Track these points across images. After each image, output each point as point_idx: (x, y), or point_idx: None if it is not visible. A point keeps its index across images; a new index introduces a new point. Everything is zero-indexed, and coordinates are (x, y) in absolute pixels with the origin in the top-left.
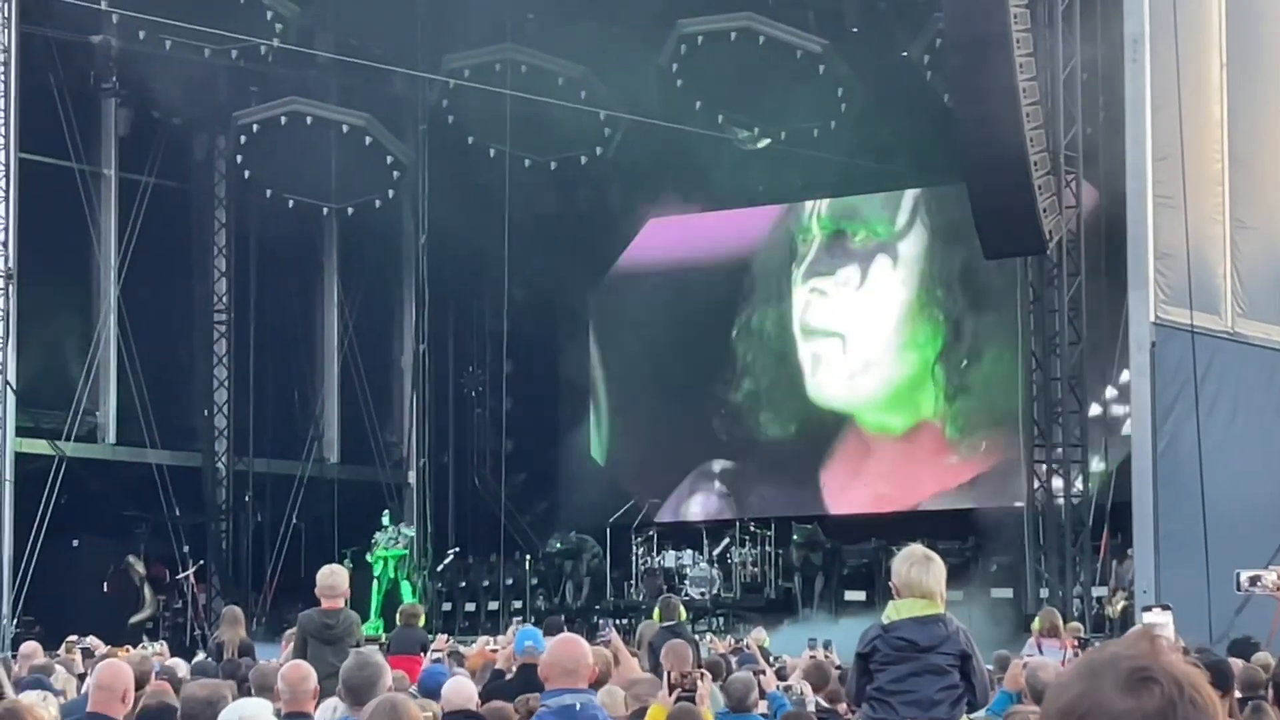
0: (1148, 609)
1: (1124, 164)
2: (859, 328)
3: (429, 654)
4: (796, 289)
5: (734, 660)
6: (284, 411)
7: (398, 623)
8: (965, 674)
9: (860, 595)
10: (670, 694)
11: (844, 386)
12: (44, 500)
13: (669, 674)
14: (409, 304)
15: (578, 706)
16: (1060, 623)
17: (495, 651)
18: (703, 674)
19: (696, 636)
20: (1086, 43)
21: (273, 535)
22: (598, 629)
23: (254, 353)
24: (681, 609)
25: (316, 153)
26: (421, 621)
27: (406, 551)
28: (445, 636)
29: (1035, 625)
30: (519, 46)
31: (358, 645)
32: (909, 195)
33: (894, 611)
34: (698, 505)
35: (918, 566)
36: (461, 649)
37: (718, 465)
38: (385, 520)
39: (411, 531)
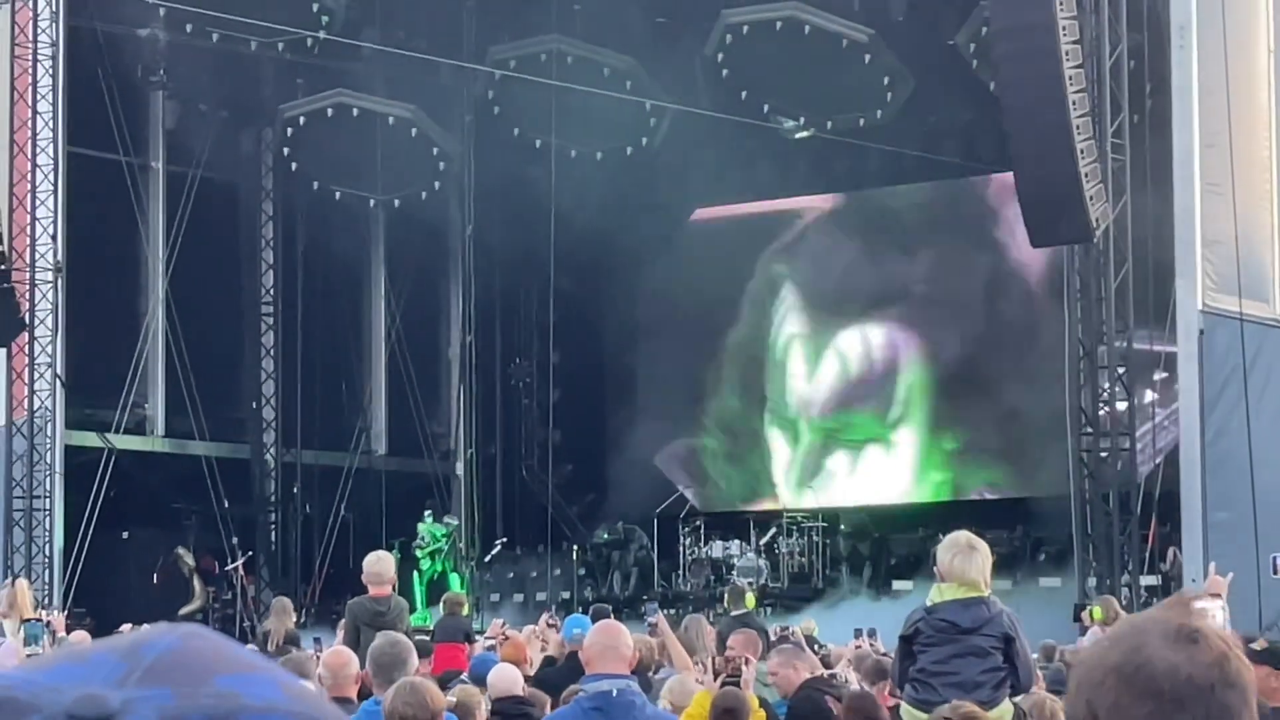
0: (1198, 600)
1: (1171, 151)
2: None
3: (477, 642)
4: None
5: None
6: (332, 403)
7: (442, 611)
8: (1009, 657)
9: (908, 584)
10: (715, 679)
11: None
12: (94, 493)
13: (713, 659)
14: (456, 295)
15: (614, 693)
16: (1120, 611)
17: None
18: (747, 660)
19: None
20: (1133, 30)
21: (321, 527)
22: (644, 614)
23: (302, 345)
24: (750, 597)
25: (363, 145)
26: (465, 610)
27: (447, 538)
28: (501, 621)
29: (1097, 615)
30: (565, 37)
31: (408, 632)
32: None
33: (937, 594)
34: None
35: (961, 555)
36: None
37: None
38: (428, 518)
39: (453, 521)
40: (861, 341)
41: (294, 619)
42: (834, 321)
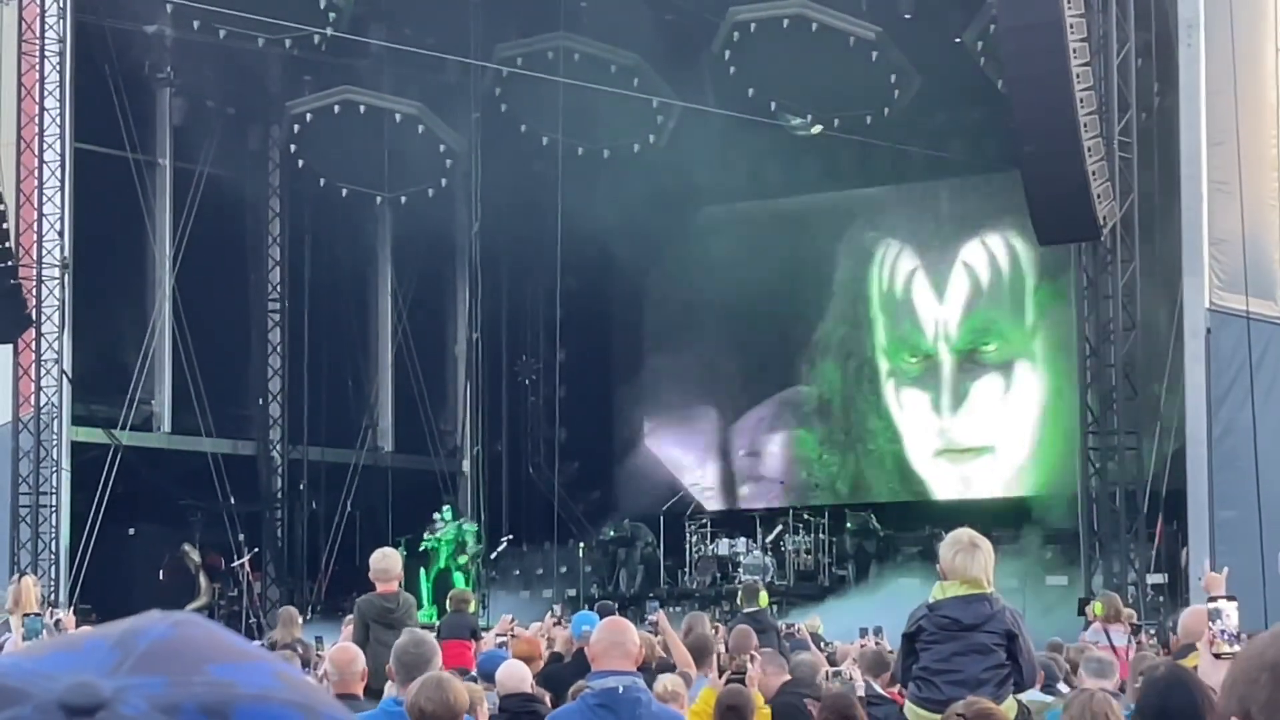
0: (1213, 599)
1: (1178, 149)
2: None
3: (483, 638)
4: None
5: (786, 646)
6: (338, 400)
7: (447, 608)
8: (1012, 654)
9: (914, 582)
10: (721, 676)
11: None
12: (100, 489)
13: (719, 656)
14: (462, 292)
15: (620, 690)
16: (1122, 607)
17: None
18: (752, 657)
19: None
20: (1141, 28)
21: (327, 524)
22: (646, 615)
23: (308, 341)
24: (763, 595)
25: (370, 141)
26: (471, 607)
27: (458, 540)
28: (510, 617)
29: (1098, 611)
30: (572, 34)
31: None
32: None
33: (939, 591)
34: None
35: (964, 553)
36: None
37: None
38: (447, 515)
39: (471, 526)
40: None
41: (301, 629)
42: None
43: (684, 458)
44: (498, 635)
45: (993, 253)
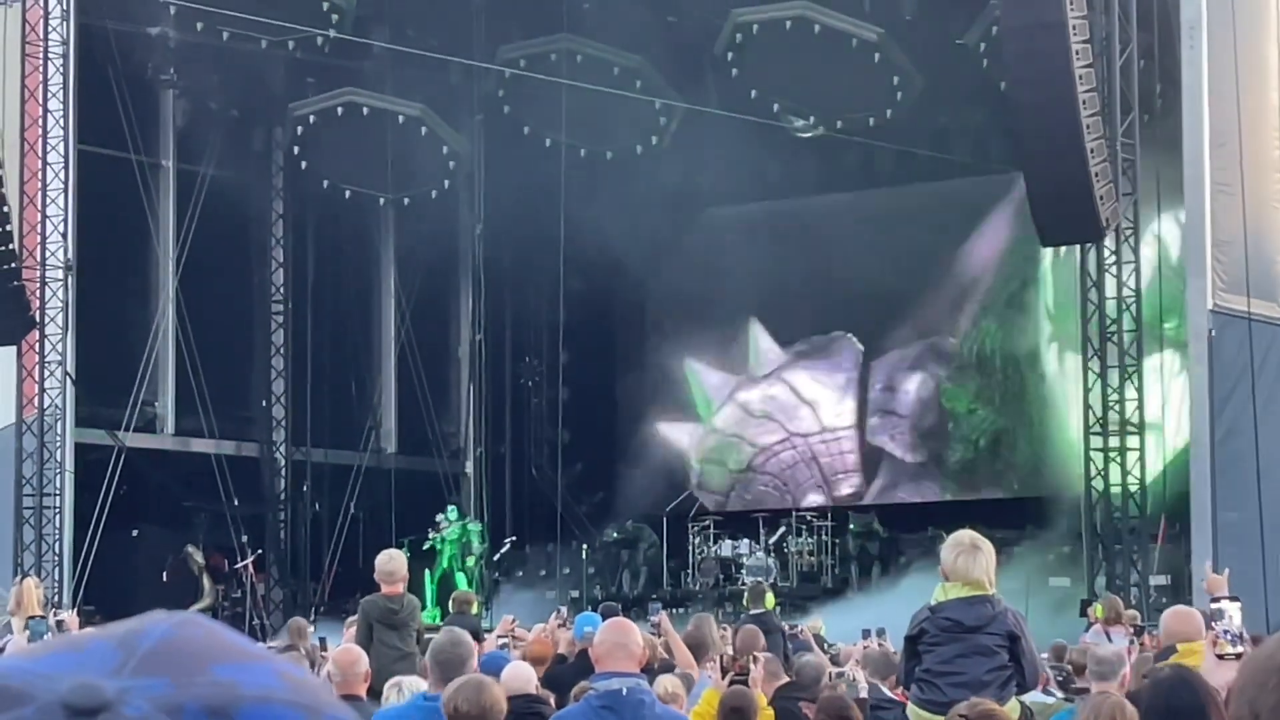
0: (1215, 600)
1: (1181, 151)
2: None
3: (486, 640)
4: None
5: (790, 647)
6: (342, 402)
7: (450, 610)
8: (1014, 655)
9: (917, 583)
10: (724, 678)
11: None
12: (104, 490)
13: (722, 657)
14: (466, 294)
15: (624, 691)
16: (1122, 609)
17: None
18: (755, 658)
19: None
20: (1143, 29)
21: (331, 525)
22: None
23: (311, 343)
24: (769, 597)
25: (373, 143)
26: (474, 609)
27: (462, 540)
28: (512, 618)
29: (1099, 613)
30: (574, 36)
31: (419, 630)
32: None
33: (941, 593)
34: None
35: (965, 555)
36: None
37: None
38: (452, 515)
39: (475, 526)
40: None
41: (310, 641)
42: None
43: (688, 460)
44: (499, 637)
45: None
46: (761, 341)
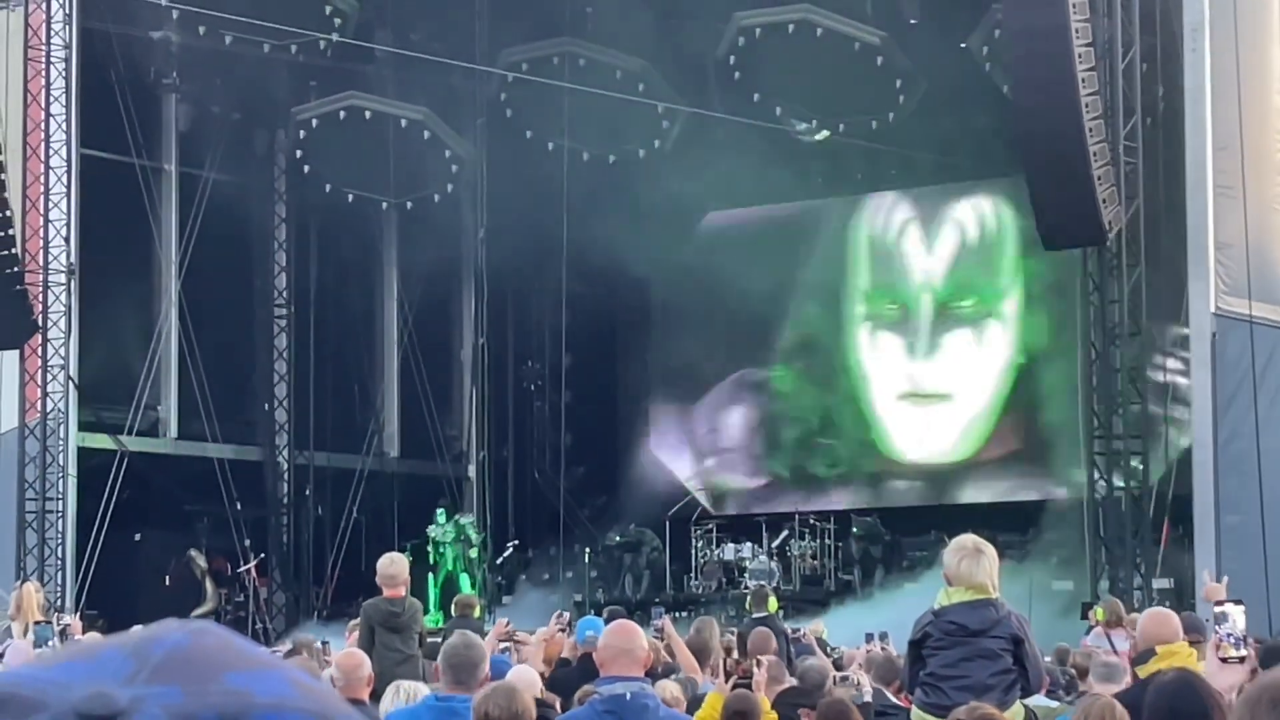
0: (1219, 603)
1: (1184, 154)
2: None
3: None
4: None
5: (791, 650)
6: (344, 405)
7: (453, 613)
8: (1018, 659)
9: (920, 587)
10: (727, 681)
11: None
12: (106, 494)
13: (725, 661)
14: (468, 298)
15: (628, 696)
16: (1124, 612)
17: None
18: (759, 662)
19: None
20: (1145, 32)
21: (333, 529)
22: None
23: (314, 347)
24: (772, 600)
25: (375, 147)
26: (477, 612)
27: (461, 538)
28: (505, 621)
29: (1099, 615)
30: (577, 40)
31: (421, 633)
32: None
33: (944, 597)
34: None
35: (968, 559)
36: (529, 637)
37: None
38: (440, 518)
39: (468, 519)
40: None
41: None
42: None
43: (690, 463)
44: (499, 640)
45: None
46: None
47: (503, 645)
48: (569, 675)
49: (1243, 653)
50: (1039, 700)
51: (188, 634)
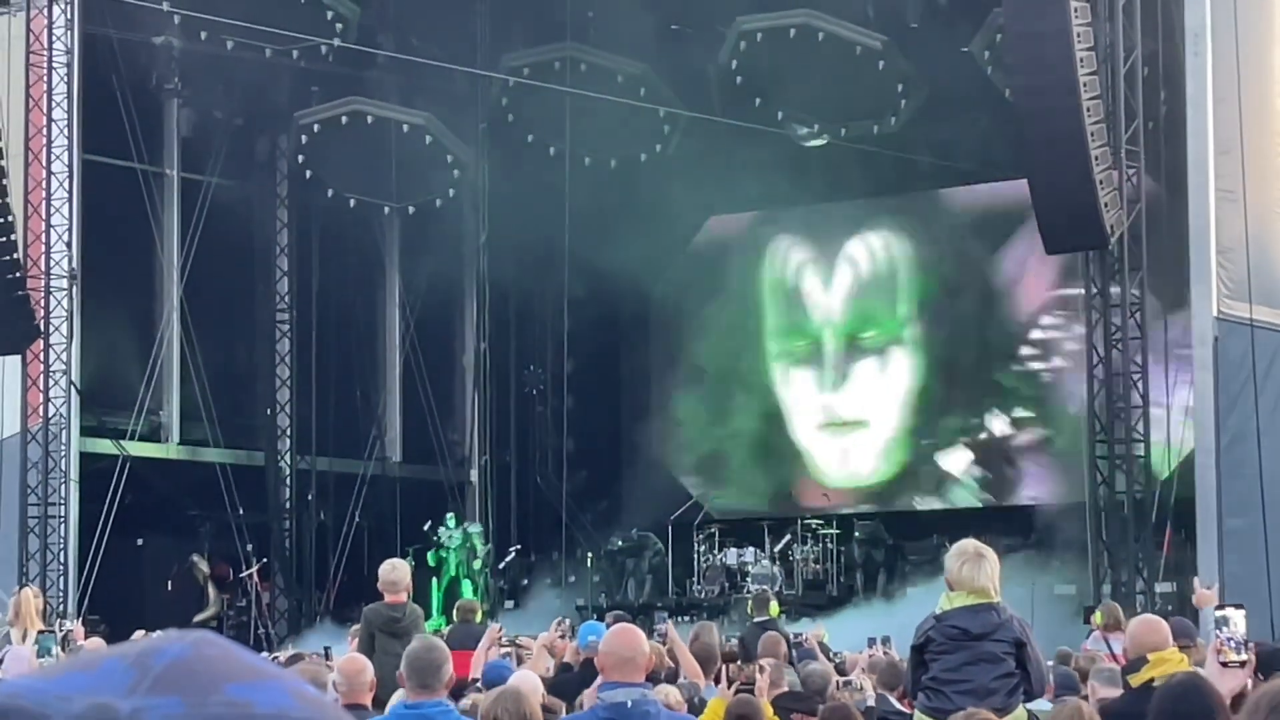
0: (1220, 607)
1: (1185, 158)
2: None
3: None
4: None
5: (794, 654)
6: (346, 410)
7: (455, 618)
8: (1021, 663)
9: (922, 592)
10: (730, 687)
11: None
12: (108, 500)
13: (727, 667)
14: (470, 302)
15: (629, 704)
16: (1122, 616)
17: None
18: (761, 667)
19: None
20: (1147, 36)
21: (336, 534)
22: (655, 626)
23: (316, 352)
24: (774, 605)
25: (377, 152)
26: (479, 617)
27: (466, 546)
28: (498, 626)
29: (1098, 619)
30: (579, 44)
31: None
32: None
33: (947, 602)
34: None
35: (970, 563)
36: (532, 642)
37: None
38: (450, 523)
39: (476, 528)
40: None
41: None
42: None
43: (694, 466)
44: (503, 649)
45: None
46: None
47: (504, 650)
48: (571, 680)
49: (1243, 657)
50: (1042, 704)
51: (189, 645)
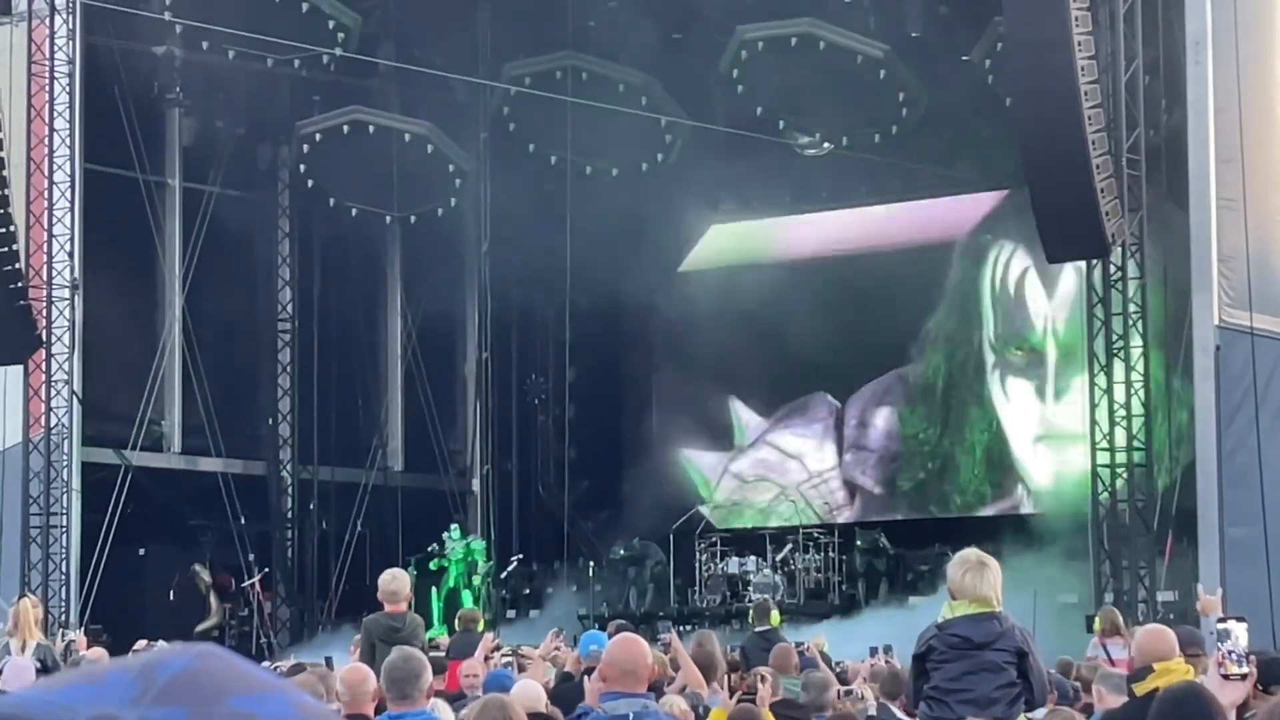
0: (1222, 620)
1: (1187, 166)
2: None
3: (492, 659)
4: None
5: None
6: (348, 419)
7: (456, 628)
8: (1023, 672)
9: (924, 600)
10: (732, 696)
11: None
12: (111, 509)
13: (728, 676)
14: (472, 312)
15: (630, 717)
16: (1121, 622)
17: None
18: (763, 677)
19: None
20: (1148, 45)
21: (337, 543)
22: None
23: (318, 361)
24: (775, 614)
25: (379, 161)
26: (480, 626)
27: (468, 560)
28: (493, 635)
29: (1096, 625)
30: (580, 54)
31: (423, 648)
32: None
33: (949, 611)
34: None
35: (972, 572)
36: (533, 652)
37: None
38: (455, 534)
39: (479, 544)
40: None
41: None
42: None
43: (694, 476)
44: (503, 659)
45: None
46: (743, 414)
47: (504, 660)
48: (572, 689)
49: (1245, 669)
50: (1043, 714)
51: (193, 657)
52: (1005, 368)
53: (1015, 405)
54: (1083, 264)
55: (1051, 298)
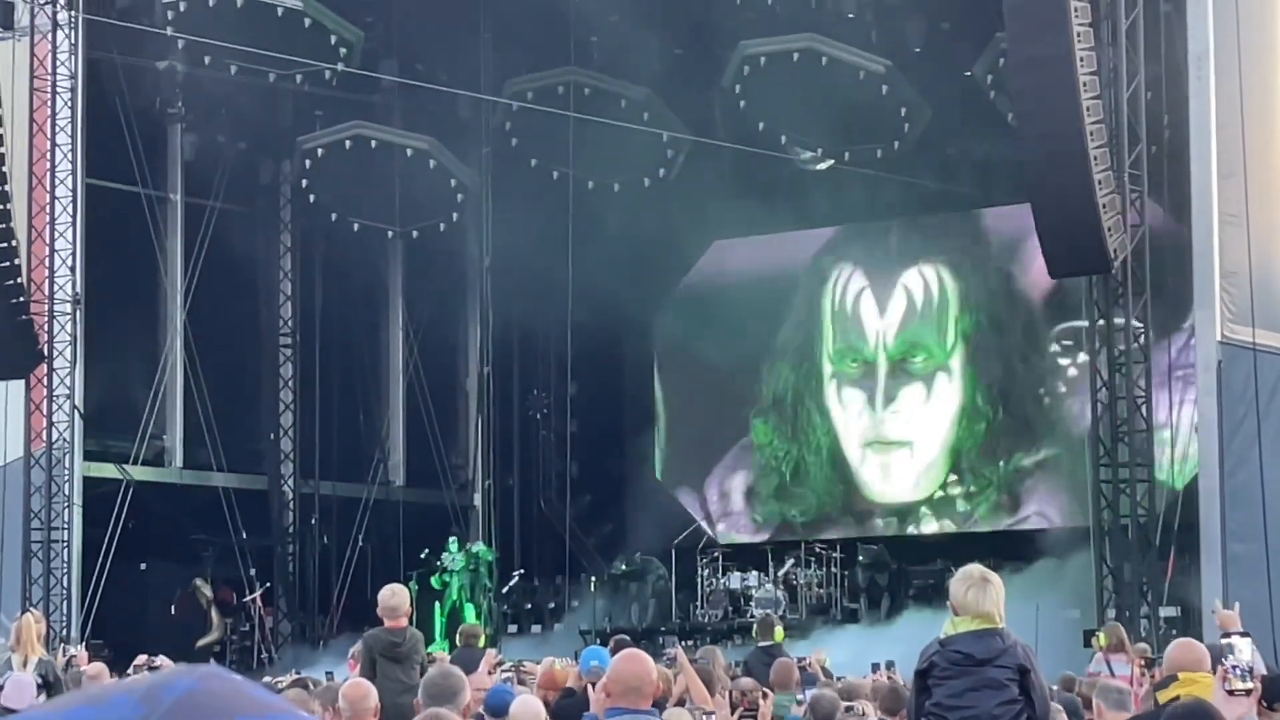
0: (1226, 635)
1: (1189, 182)
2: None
3: (493, 674)
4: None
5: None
6: (349, 434)
7: (458, 643)
8: (1025, 689)
9: (926, 616)
10: (734, 712)
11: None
12: (112, 524)
13: (731, 693)
14: (474, 326)
15: None
16: (1125, 637)
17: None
18: (765, 693)
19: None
20: (1150, 61)
21: (339, 558)
22: (663, 649)
23: (319, 376)
24: (779, 630)
25: (381, 176)
26: (481, 642)
27: (469, 569)
28: (495, 651)
29: (1101, 641)
30: (582, 69)
31: (423, 663)
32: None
33: (951, 627)
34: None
35: (975, 588)
36: (536, 667)
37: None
38: (453, 548)
39: (479, 547)
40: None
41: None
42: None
43: (696, 491)
44: (504, 673)
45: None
46: None
47: (505, 675)
48: (574, 705)
49: (1249, 685)
50: None
51: (198, 679)
52: (841, 379)
53: (849, 413)
54: (921, 286)
55: (883, 315)
